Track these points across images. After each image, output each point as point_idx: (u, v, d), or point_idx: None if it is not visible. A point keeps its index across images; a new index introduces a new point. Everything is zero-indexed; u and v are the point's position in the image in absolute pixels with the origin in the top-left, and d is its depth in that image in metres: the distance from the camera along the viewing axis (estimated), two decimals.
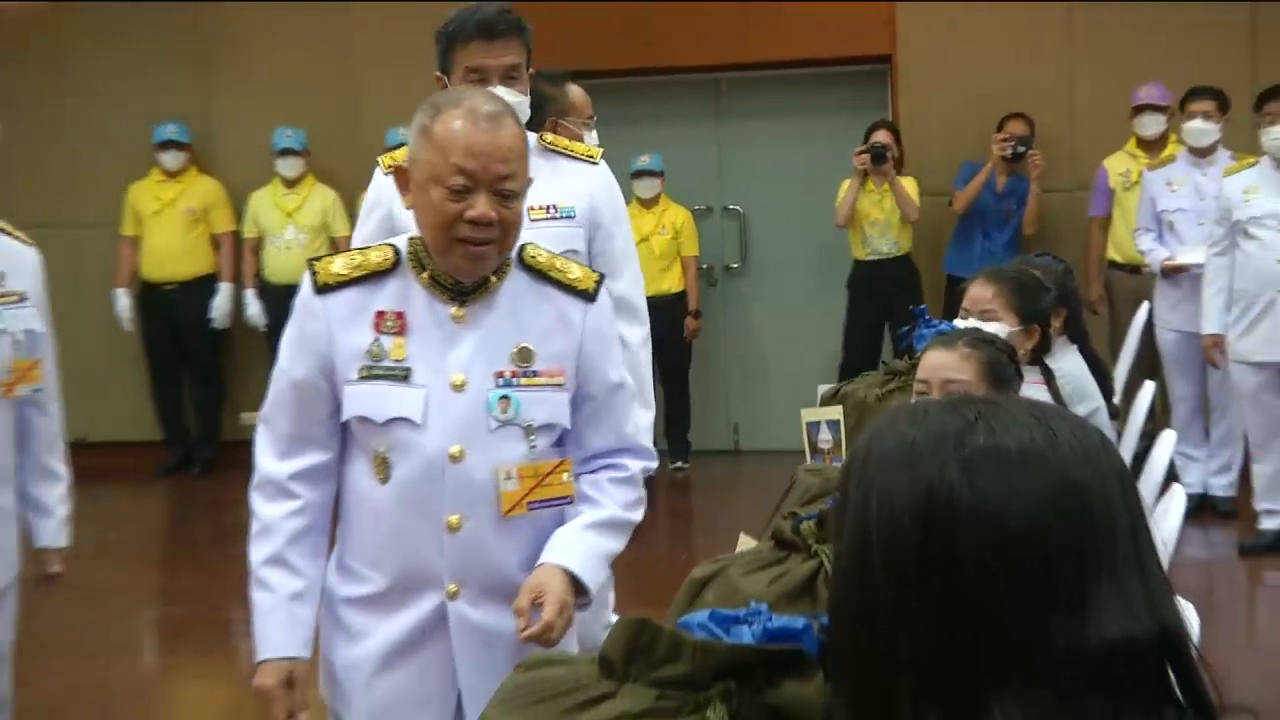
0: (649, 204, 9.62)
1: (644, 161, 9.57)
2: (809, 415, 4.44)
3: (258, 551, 2.65)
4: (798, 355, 10.03)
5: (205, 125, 10.12)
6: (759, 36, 9.79)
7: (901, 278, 9.16)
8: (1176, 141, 8.26)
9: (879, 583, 1.40)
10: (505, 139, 2.55)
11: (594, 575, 2.67)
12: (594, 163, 4.04)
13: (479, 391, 2.65)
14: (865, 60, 9.99)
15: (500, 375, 2.66)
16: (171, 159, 9.86)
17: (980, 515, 1.36)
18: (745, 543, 3.10)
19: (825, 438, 4.31)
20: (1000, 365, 3.59)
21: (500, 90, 3.44)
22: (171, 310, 9.72)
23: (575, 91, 5.14)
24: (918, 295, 8.30)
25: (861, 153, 9.10)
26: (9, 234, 3.73)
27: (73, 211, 10.40)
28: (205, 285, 9.53)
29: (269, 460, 2.69)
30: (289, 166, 9.91)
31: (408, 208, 2.68)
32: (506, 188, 2.54)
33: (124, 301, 9.91)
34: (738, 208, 10.34)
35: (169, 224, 9.93)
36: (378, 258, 2.66)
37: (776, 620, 1.66)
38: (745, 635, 1.64)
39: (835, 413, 4.38)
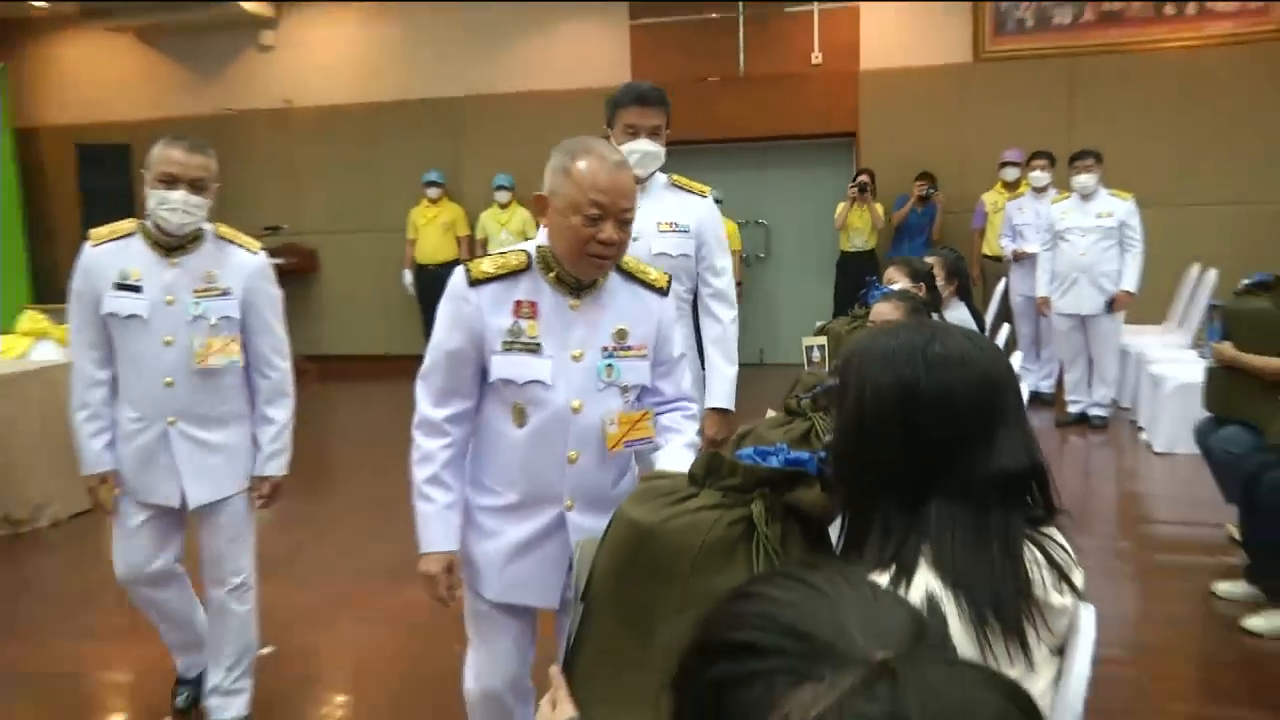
0: None
1: (714, 195, 9.90)
2: (807, 341, 4.40)
3: (420, 473, 2.54)
4: (800, 308, 10.53)
5: (454, 172, 10.70)
6: (787, 119, 10.43)
7: (869, 262, 9.60)
8: (1026, 183, 8.84)
9: (867, 434, 1.51)
10: (627, 182, 2.41)
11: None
12: (704, 196, 3.80)
13: (590, 361, 2.51)
14: (842, 135, 10.55)
15: (605, 349, 2.53)
16: (434, 192, 10.58)
17: (935, 394, 1.47)
18: (770, 414, 3.03)
19: (815, 355, 4.30)
20: (917, 310, 3.81)
21: (644, 142, 3.46)
22: (432, 280, 9.85)
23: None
24: (878, 273, 8.59)
25: (853, 186, 9.73)
26: (238, 244, 3.51)
27: (384, 222, 11.22)
28: (451, 266, 8.98)
29: (427, 407, 2.53)
30: (502, 196, 10.36)
31: (544, 226, 2.49)
32: (626, 217, 2.41)
33: (408, 276, 10.65)
34: (765, 222, 11.11)
35: (432, 231, 10.61)
36: (515, 260, 2.47)
37: (792, 454, 1.68)
38: (774, 461, 1.64)
39: (822, 340, 4.36)
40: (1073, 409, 8.16)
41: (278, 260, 11.09)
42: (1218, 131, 9.50)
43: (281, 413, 3.62)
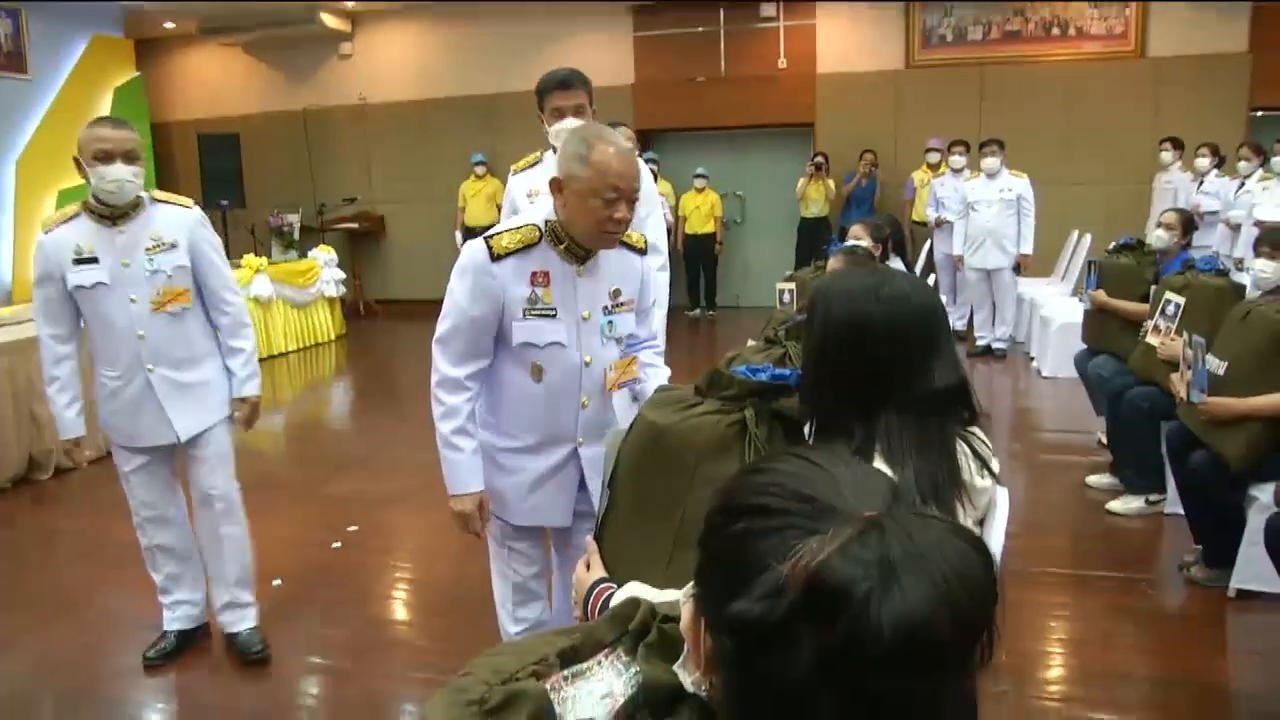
0: (701, 191, 10.14)
1: (700, 171, 10.15)
2: (779, 285, 4.40)
3: (447, 425, 2.32)
4: (768, 262, 10.46)
5: (493, 155, 10.42)
6: (759, 111, 10.38)
7: (822, 226, 9.71)
8: (946, 165, 8.68)
9: (829, 357, 1.50)
10: (636, 166, 2.22)
11: None
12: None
13: (595, 320, 2.33)
14: (802, 124, 10.47)
15: (605, 308, 2.35)
16: (480, 170, 10.37)
17: (884, 325, 1.44)
18: (750, 343, 2.50)
19: (785, 297, 4.29)
20: (860, 263, 3.53)
21: (570, 121, 3.00)
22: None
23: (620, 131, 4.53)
24: (829, 235, 9.06)
25: (811, 165, 9.74)
26: (173, 203, 3.14)
27: (437, 194, 11.00)
28: (491, 227, 9.40)
29: (447, 367, 2.29)
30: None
31: (561, 207, 2.23)
32: (635, 198, 2.23)
33: (459, 236, 10.34)
34: (741, 194, 10.98)
35: (479, 201, 10.37)
36: (530, 235, 2.23)
37: (776, 370, 1.64)
38: (762, 376, 1.60)
39: (791, 285, 4.35)
40: (980, 342, 8.15)
41: (352, 225, 11.44)
42: (1091, 126, 9.60)
43: (246, 341, 3.26)
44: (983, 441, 1.55)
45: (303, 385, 8.27)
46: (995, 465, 1.55)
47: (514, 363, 2.33)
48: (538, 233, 2.26)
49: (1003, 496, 1.62)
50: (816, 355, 1.55)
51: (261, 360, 8.00)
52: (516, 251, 2.24)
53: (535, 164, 3.15)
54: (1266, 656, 3.15)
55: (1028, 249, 7.83)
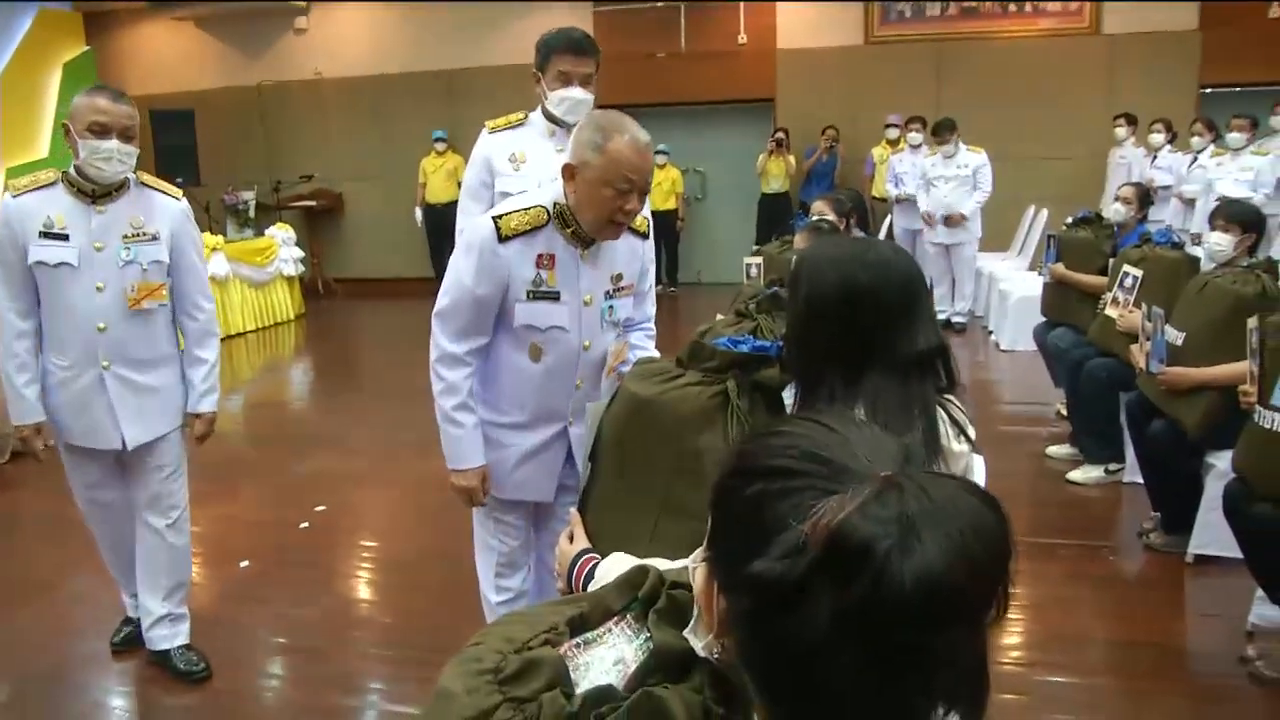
0: (662, 167, 9.91)
1: (661, 148, 9.68)
2: (747, 260, 4.39)
3: (448, 401, 2.28)
4: (729, 238, 10.47)
5: (453, 130, 10.26)
6: (719, 87, 10.41)
7: (783, 202, 9.79)
8: (904, 141, 8.74)
9: (815, 323, 1.50)
10: (651, 162, 2.17)
11: None
12: None
13: (597, 304, 2.30)
14: (763, 100, 10.48)
15: (607, 293, 2.32)
16: (440, 146, 10.30)
17: (870, 291, 1.46)
18: (719, 317, 2.16)
19: (753, 271, 4.27)
20: (823, 235, 3.51)
21: (577, 90, 2.85)
22: (438, 216, 9.76)
23: None
24: (790, 210, 9.15)
25: (771, 140, 9.82)
26: (161, 190, 2.91)
27: (396, 170, 10.90)
28: (452, 205, 8.76)
29: (448, 343, 2.26)
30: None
31: (571, 193, 2.18)
32: (648, 190, 2.18)
33: (419, 213, 10.40)
34: (702, 169, 11.03)
35: (439, 177, 10.30)
36: (539, 217, 2.19)
37: (756, 341, 1.63)
38: (743, 348, 1.61)
39: (759, 259, 4.34)
40: (940, 316, 7.85)
41: (310, 202, 11.27)
42: (1047, 102, 9.62)
43: (211, 352, 3.04)
44: (959, 408, 1.57)
45: (263, 365, 8.19)
46: (972, 432, 1.57)
47: (513, 342, 2.30)
48: (546, 215, 2.22)
49: (979, 464, 1.63)
50: (802, 321, 1.55)
51: (220, 340, 7.92)
52: (524, 233, 2.20)
53: (519, 125, 2.99)
54: (1223, 619, 3.22)
55: (966, 211, 7.89)
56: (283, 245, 9.56)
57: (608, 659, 0.82)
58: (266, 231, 9.70)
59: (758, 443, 0.74)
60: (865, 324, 1.48)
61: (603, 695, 0.77)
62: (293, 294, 9.78)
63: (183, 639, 3.10)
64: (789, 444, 0.71)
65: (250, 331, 8.97)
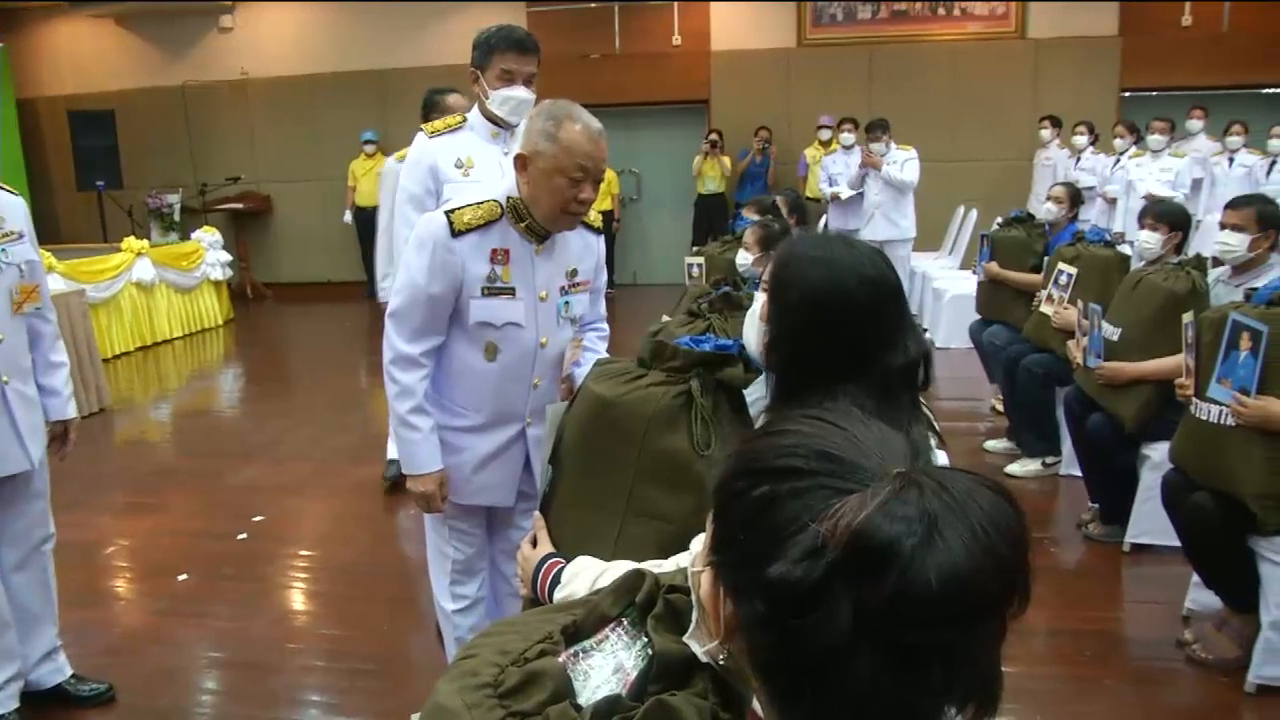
0: None
1: None
2: (688, 259, 4.39)
3: (403, 405, 2.22)
4: (665, 239, 10.62)
5: (384, 131, 10.14)
6: (653, 88, 10.43)
7: (719, 203, 9.88)
8: (836, 142, 8.51)
9: (800, 326, 1.44)
10: (605, 150, 2.09)
11: None
12: None
13: (553, 300, 2.26)
14: (697, 101, 10.57)
15: (563, 288, 2.27)
16: (370, 148, 10.12)
17: (861, 300, 1.40)
18: (665, 318, 2.54)
19: (694, 270, 4.26)
20: (771, 235, 3.80)
21: (520, 90, 2.78)
22: (369, 219, 9.13)
23: (451, 99, 4.26)
24: (727, 211, 9.26)
25: (706, 142, 9.88)
26: (6, 189, 2.67)
27: (325, 172, 10.74)
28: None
29: (402, 344, 2.19)
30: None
31: (525, 184, 2.12)
32: (601, 179, 2.13)
33: (348, 215, 10.27)
34: (637, 171, 11.02)
35: (369, 180, 9.91)
36: (492, 211, 2.15)
37: (720, 340, 1.62)
38: (707, 346, 1.58)
39: (700, 259, 4.33)
40: None
41: (237, 205, 11.01)
42: (975, 104, 9.87)
43: (65, 355, 2.82)
44: (928, 409, 1.55)
45: (191, 373, 7.97)
46: (938, 427, 1.56)
47: (467, 340, 2.25)
48: (499, 209, 2.17)
49: (944, 460, 1.62)
50: (785, 327, 1.48)
51: (146, 347, 7.70)
52: (477, 228, 2.15)
53: (458, 128, 2.93)
54: (1160, 605, 3.30)
55: (878, 166, 7.70)
56: (209, 249, 9.31)
57: (607, 667, 0.79)
58: (192, 235, 9.46)
59: (762, 442, 0.72)
60: (856, 330, 1.42)
61: (612, 706, 0.75)
62: (220, 299, 9.54)
63: (68, 670, 2.90)
64: (796, 443, 0.69)
65: (177, 338, 8.70)
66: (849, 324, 1.42)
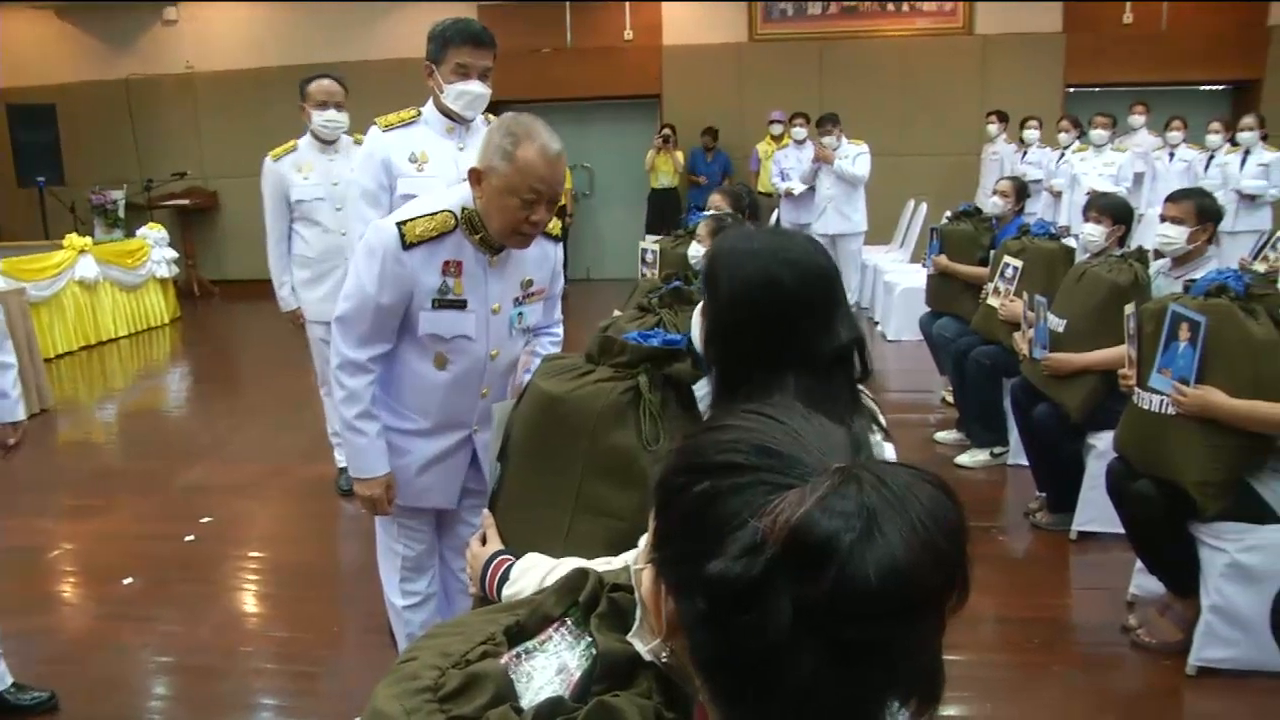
0: None
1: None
2: (642, 244, 4.28)
3: (350, 410, 2.19)
4: (618, 234, 10.52)
5: None
6: (605, 83, 10.38)
7: (672, 197, 9.88)
8: (788, 136, 8.56)
9: (734, 319, 1.44)
10: (563, 170, 2.08)
11: None
12: None
13: (506, 312, 2.23)
14: (649, 96, 10.55)
15: (516, 299, 2.24)
16: None
17: (792, 288, 1.41)
18: (616, 313, 2.25)
19: (649, 256, 4.15)
20: (724, 229, 3.20)
21: (475, 84, 2.74)
22: None
23: (313, 86, 4.30)
24: (680, 205, 9.32)
25: (658, 137, 9.91)
26: None
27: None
28: None
29: (349, 350, 2.16)
30: None
31: (479, 199, 2.08)
32: (558, 200, 2.09)
33: None
34: (589, 165, 10.98)
35: None
36: (445, 223, 2.11)
37: (667, 335, 1.63)
38: (654, 342, 1.59)
39: (655, 246, 4.18)
40: None
41: (183, 201, 10.77)
42: (924, 100, 9.94)
43: (13, 356, 2.74)
44: (871, 397, 1.56)
45: (137, 372, 7.81)
46: (884, 420, 1.58)
47: (417, 350, 2.21)
48: (453, 220, 2.12)
49: (890, 452, 1.63)
50: (724, 316, 1.49)
51: (90, 346, 7.54)
52: (430, 239, 2.10)
53: (412, 122, 2.89)
54: (1106, 591, 3.35)
55: (831, 160, 7.74)
56: (155, 246, 9.13)
57: (550, 668, 0.78)
58: (138, 232, 9.25)
59: (703, 438, 0.71)
60: (789, 318, 1.43)
61: (554, 708, 0.74)
62: (167, 297, 9.36)
63: (9, 677, 2.84)
64: (736, 438, 0.68)
65: (122, 337, 8.53)
66: (779, 313, 1.42)
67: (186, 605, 3.49)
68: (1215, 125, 8.04)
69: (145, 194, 10.51)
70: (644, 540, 0.75)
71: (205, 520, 4.23)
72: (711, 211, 4.06)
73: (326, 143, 4.35)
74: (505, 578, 1.43)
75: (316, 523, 4.28)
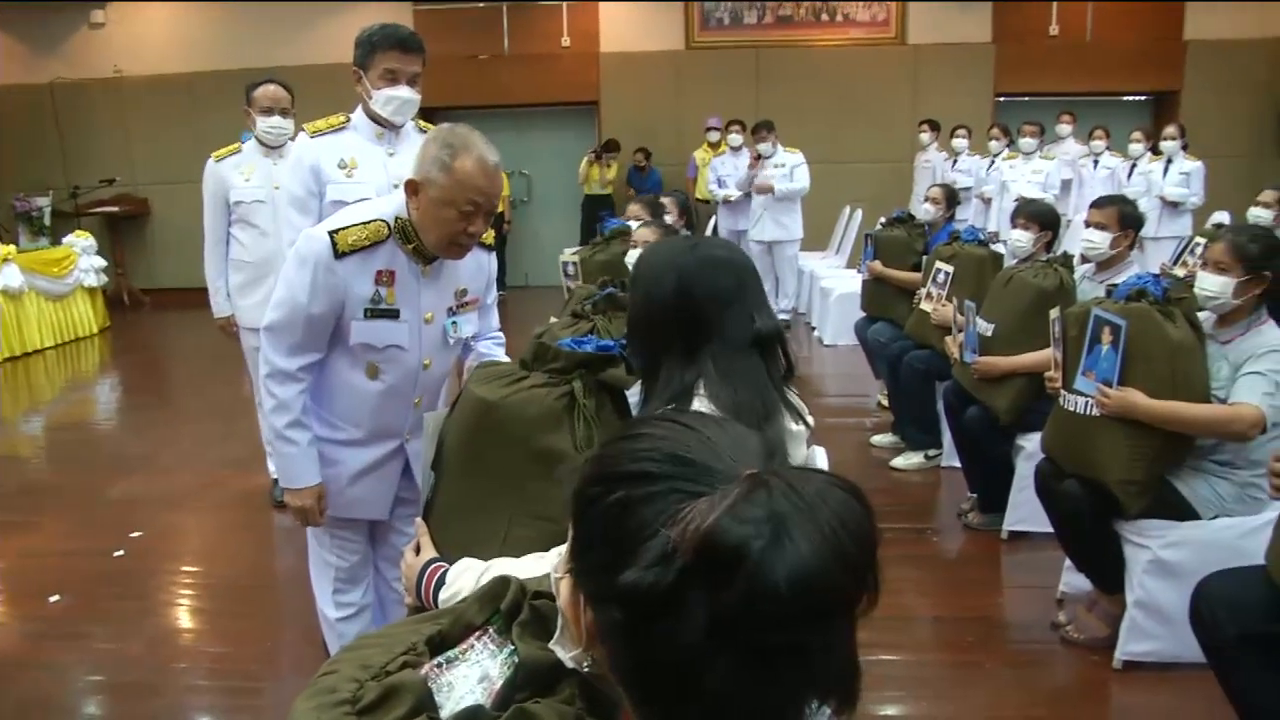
0: None
1: None
2: (563, 257, 4.25)
3: (280, 419, 2.16)
4: (555, 240, 9.85)
5: None
6: (543, 89, 10.41)
7: (607, 203, 9.71)
8: (725, 143, 8.68)
9: (654, 314, 1.55)
10: (500, 180, 2.10)
11: None
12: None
13: (439, 322, 2.21)
14: (586, 103, 10.58)
15: (450, 309, 2.23)
16: None
17: (705, 285, 1.50)
18: (552, 319, 2.27)
19: (570, 269, 4.15)
20: (669, 233, 3.64)
21: (404, 90, 2.74)
22: None
23: (258, 91, 4.20)
24: (614, 212, 8.72)
25: (592, 152, 10.03)
26: None
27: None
28: None
29: (279, 359, 2.13)
30: None
31: (415, 210, 2.07)
32: (494, 211, 2.10)
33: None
34: (527, 172, 10.97)
35: None
36: (379, 232, 2.08)
37: (601, 341, 1.64)
38: (588, 347, 1.60)
39: (575, 258, 4.16)
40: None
41: (113, 208, 10.49)
42: (858, 108, 10.14)
43: None
44: (795, 394, 1.62)
45: (64, 384, 7.62)
46: (810, 418, 1.62)
47: (349, 360, 2.19)
48: (386, 230, 2.10)
49: (822, 456, 1.69)
50: (641, 316, 1.60)
51: (15, 358, 7.34)
52: (362, 249, 2.08)
53: (342, 128, 2.88)
54: (1037, 590, 3.41)
55: (770, 183, 7.84)
56: (82, 254, 8.90)
57: (472, 677, 0.78)
58: (64, 240, 9.03)
59: (616, 447, 0.71)
60: (699, 310, 1.53)
61: (473, 716, 0.73)
62: (95, 306, 9.12)
63: None
64: (649, 446, 0.68)
65: (49, 348, 8.30)
66: (688, 302, 1.53)
67: (117, 622, 3.40)
68: (1137, 134, 8.24)
69: (72, 200, 10.22)
70: (563, 550, 0.76)
71: (135, 535, 4.12)
72: (630, 221, 4.13)
73: (271, 148, 4.28)
74: (441, 583, 1.43)
75: (251, 535, 4.20)
